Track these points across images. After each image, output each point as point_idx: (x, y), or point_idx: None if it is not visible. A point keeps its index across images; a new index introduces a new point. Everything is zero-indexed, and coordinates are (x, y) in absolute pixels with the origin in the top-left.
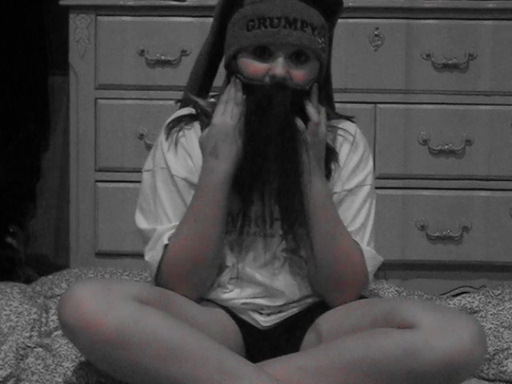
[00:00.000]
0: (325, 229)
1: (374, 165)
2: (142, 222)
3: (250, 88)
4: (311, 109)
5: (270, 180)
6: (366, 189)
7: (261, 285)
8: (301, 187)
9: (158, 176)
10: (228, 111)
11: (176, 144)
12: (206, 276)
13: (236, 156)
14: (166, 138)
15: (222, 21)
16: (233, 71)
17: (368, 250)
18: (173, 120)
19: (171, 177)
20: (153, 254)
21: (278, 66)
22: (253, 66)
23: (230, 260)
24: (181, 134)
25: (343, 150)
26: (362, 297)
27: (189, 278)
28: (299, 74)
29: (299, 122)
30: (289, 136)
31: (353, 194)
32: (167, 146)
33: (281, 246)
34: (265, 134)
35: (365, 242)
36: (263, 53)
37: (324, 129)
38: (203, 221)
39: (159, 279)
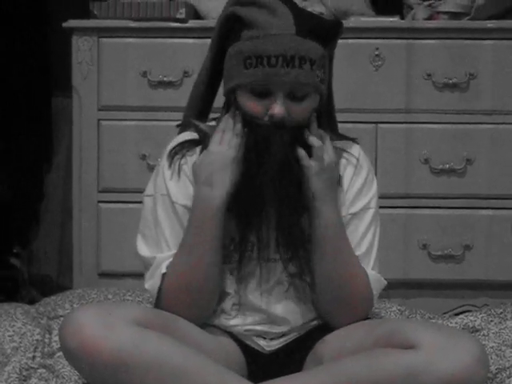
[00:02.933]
0: (334, 257)
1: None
2: (143, 249)
3: (250, 124)
4: (312, 138)
5: (271, 207)
6: (370, 212)
7: (263, 312)
8: (300, 218)
9: (159, 202)
10: (225, 141)
11: (178, 171)
12: (205, 304)
13: (231, 186)
14: (169, 166)
15: (220, 47)
16: (232, 103)
17: (373, 273)
18: (175, 146)
19: (172, 204)
20: (152, 283)
21: (277, 106)
22: (251, 105)
23: (231, 287)
24: (183, 161)
25: (347, 174)
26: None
27: (187, 306)
28: (298, 110)
29: (301, 152)
30: (287, 172)
31: (358, 218)
32: (169, 174)
33: (285, 272)
34: (263, 170)
35: (370, 267)
36: (262, 90)
37: (331, 153)
38: (198, 250)
39: (159, 307)
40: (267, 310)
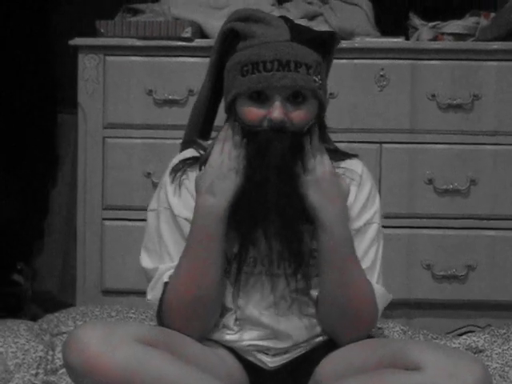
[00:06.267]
0: (340, 271)
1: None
2: (146, 261)
3: (250, 133)
4: (308, 151)
5: (272, 219)
6: (374, 227)
7: (266, 327)
8: (303, 231)
9: (162, 216)
10: (226, 152)
11: (180, 186)
12: (206, 315)
13: (233, 195)
14: (171, 181)
15: (219, 64)
16: (233, 115)
17: (378, 287)
18: (177, 162)
19: (174, 217)
20: (154, 294)
21: (275, 110)
22: (251, 112)
23: (234, 301)
24: (184, 176)
25: (351, 190)
26: (368, 336)
27: (189, 316)
28: (297, 116)
29: (298, 166)
30: (287, 179)
31: (361, 233)
32: (171, 189)
33: (289, 287)
34: (264, 177)
35: (375, 280)
36: (260, 96)
37: (327, 165)
38: (200, 258)
39: (161, 318)
40: (270, 326)
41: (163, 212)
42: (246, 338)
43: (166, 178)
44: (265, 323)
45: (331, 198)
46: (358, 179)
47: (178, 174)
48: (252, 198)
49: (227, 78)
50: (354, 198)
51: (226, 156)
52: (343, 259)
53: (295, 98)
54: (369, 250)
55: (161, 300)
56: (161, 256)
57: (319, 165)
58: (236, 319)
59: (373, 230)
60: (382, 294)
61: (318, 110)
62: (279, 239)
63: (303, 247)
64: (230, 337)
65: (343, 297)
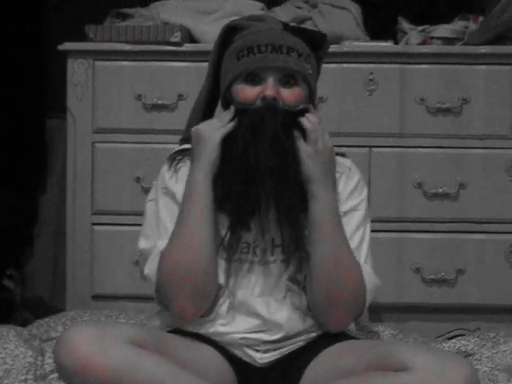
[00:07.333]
0: (329, 242)
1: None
2: (143, 244)
3: (243, 112)
4: (305, 120)
5: (267, 206)
6: (359, 213)
7: (259, 317)
8: (299, 204)
9: (161, 201)
10: (214, 126)
11: (177, 171)
12: (201, 285)
13: (215, 158)
14: (169, 168)
15: (218, 66)
16: (228, 102)
17: (367, 267)
18: (175, 152)
19: (172, 197)
20: (151, 266)
21: (268, 88)
22: (245, 91)
23: (227, 289)
24: (182, 163)
25: (340, 182)
26: (357, 338)
27: (184, 284)
28: (289, 95)
29: (295, 133)
30: (280, 155)
31: (347, 217)
32: (169, 174)
33: (284, 275)
34: (257, 153)
35: (362, 260)
36: (254, 78)
37: (327, 138)
38: (189, 222)
39: (159, 291)
40: (262, 314)
41: (161, 197)
42: (239, 329)
43: (164, 167)
44: (257, 311)
45: (327, 171)
46: (346, 171)
47: (176, 160)
48: (246, 176)
49: (224, 67)
50: (343, 186)
51: (213, 127)
52: (333, 232)
53: (287, 80)
54: (354, 234)
55: (157, 270)
56: (158, 235)
57: (321, 138)
58: (229, 308)
59: (358, 215)
60: (369, 274)
61: (308, 98)
62: (275, 221)
63: (299, 230)
64: (223, 328)
65: (332, 270)
